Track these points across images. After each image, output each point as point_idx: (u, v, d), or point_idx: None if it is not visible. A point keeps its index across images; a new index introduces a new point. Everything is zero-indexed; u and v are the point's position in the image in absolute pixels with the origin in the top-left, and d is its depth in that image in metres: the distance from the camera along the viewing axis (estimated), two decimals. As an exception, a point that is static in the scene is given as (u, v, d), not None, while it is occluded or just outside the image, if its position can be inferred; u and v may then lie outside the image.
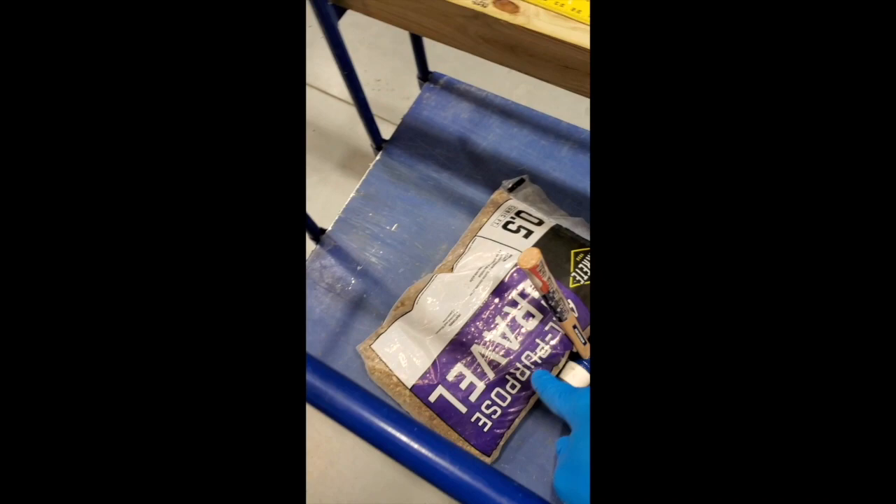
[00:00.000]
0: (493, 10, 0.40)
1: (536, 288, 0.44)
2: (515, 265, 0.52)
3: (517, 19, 0.39)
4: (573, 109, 0.93)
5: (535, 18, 0.39)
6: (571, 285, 0.51)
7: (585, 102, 0.90)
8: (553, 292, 0.44)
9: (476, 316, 0.51)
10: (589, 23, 0.38)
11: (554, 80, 0.42)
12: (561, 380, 0.35)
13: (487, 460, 0.50)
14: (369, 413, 0.28)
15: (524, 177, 0.61)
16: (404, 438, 0.24)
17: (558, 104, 0.90)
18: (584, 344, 0.51)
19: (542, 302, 0.47)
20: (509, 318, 0.51)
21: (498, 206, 0.58)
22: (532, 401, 0.51)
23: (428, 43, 0.57)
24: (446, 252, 0.59)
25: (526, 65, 0.43)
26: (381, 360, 0.53)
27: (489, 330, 0.51)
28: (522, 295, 0.51)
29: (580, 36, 0.38)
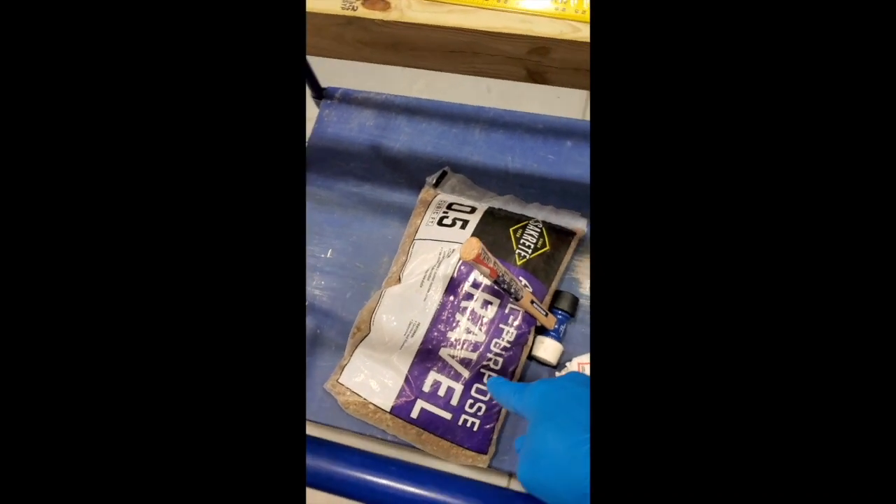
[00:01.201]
0: (364, 12, 0.38)
1: (485, 275, 0.43)
2: (460, 258, 0.51)
3: (391, 15, 0.38)
4: (475, 90, 0.93)
5: (409, 10, 0.38)
6: (518, 263, 0.51)
7: (486, 81, 0.90)
8: (502, 275, 0.44)
9: (436, 319, 0.50)
10: (464, 2, 0.38)
11: (444, 67, 0.42)
12: (511, 381, 0.35)
13: (485, 458, 0.49)
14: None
15: (446, 168, 0.60)
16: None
17: (459, 89, 0.89)
18: (546, 315, 0.51)
19: (494, 286, 0.47)
20: (468, 311, 0.50)
21: (428, 205, 0.57)
22: (512, 386, 0.51)
23: (317, 60, 0.55)
24: (389, 264, 0.58)
25: (411, 59, 0.42)
26: (352, 392, 0.51)
27: (452, 329, 0.49)
28: (475, 285, 0.50)
29: (457, 18, 0.37)
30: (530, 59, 0.38)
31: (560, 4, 0.35)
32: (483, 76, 0.42)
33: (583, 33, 0.35)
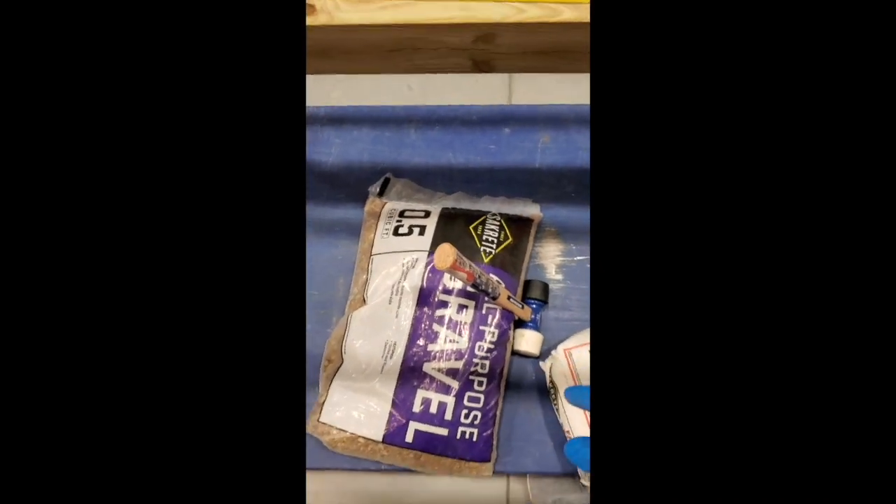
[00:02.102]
0: (287, 19, 0.35)
1: (462, 280, 0.41)
2: (427, 264, 0.49)
3: (318, 19, 0.35)
4: (397, 90, 0.90)
5: (338, 12, 0.35)
6: (486, 260, 0.49)
7: (406, 79, 0.88)
8: (479, 276, 0.42)
9: (413, 335, 0.47)
10: (394, -4, 0.35)
11: (383, 69, 0.39)
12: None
13: (489, 466, 0.47)
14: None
15: (388, 175, 0.57)
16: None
17: (379, 91, 0.86)
18: (522, 308, 0.50)
19: (471, 289, 0.45)
20: (446, 319, 0.47)
21: (378, 216, 0.53)
22: (503, 386, 0.49)
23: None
24: (346, 286, 0.54)
25: (345, 64, 0.38)
26: (337, 429, 0.47)
27: (432, 342, 0.47)
28: (447, 291, 0.48)
29: (392, 14, 0.35)
30: (476, 47, 0.37)
31: (498, -13, 0.34)
32: (424, 72, 0.39)
33: (528, 14, 0.34)
